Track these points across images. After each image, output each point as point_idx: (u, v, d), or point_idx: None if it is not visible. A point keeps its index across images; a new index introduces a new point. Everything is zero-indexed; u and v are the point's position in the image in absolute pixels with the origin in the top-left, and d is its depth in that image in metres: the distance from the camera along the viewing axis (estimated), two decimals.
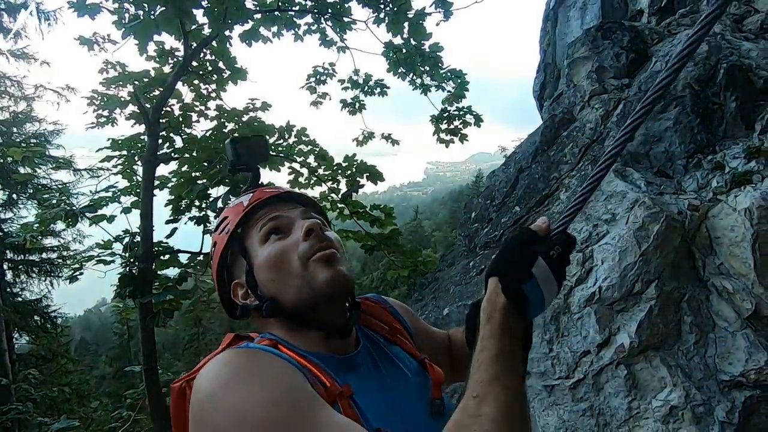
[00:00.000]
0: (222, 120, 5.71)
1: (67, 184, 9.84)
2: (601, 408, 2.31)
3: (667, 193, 2.62)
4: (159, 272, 5.00)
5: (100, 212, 4.90)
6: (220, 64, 5.56)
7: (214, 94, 5.84)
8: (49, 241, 10.66)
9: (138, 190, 5.27)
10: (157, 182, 5.22)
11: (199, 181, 5.01)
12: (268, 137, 5.53)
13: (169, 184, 5.45)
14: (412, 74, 6.08)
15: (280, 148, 5.79)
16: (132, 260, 4.68)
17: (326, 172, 5.98)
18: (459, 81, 6.11)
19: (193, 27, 4.50)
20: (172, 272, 5.17)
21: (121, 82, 5.52)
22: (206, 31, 4.73)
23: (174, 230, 5.20)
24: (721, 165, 2.63)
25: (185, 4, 3.51)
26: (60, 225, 7.18)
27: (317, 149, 6.07)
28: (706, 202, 2.51)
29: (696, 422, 2.12)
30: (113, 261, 4.82)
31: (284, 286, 0.81)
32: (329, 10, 5.52)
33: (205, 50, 5.29)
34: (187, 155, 5.33)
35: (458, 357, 1.07)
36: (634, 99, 3.10)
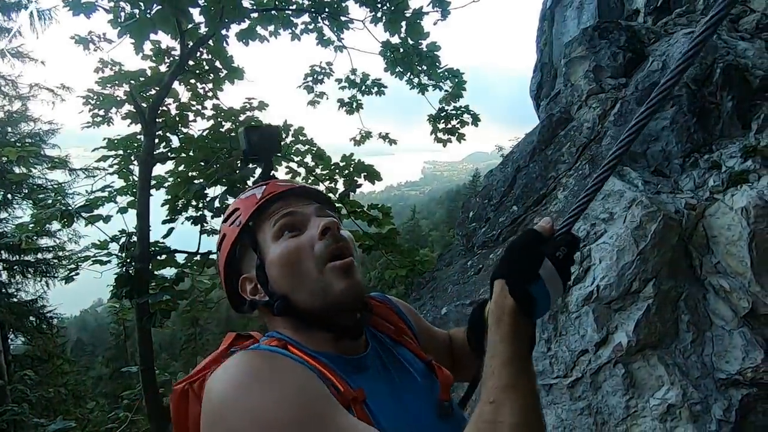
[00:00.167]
0: (219, 119, 5.70)
1: (63, 184, 9.80)
2: (599, 406, 2.32)
3: (664, 192, 2.63)
4: (156, 272, 4.99)
5: (96, 212, 4.88)
6: (217, 64, 5.55)
7: (210, 94, 5.82)
8: (44, 242, 10.60)
9: (134, 190, 5.24)
10: (153, 182, 5.20)
11: (195, 181, 5.00)
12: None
13: (166, 184, 5.43)
14: (409, 73, 6.09)
15: None
16: (128, 260, 4.67)
17: (324, 172, 5.98)
18: (456, 80, 6.13)
19: (190, 26, 4.48)
20: (169, 272, 5.16)
21: (117, 82, 5.50)
22: (203, 30, 4.71)
23: (171, 230, 5.19)
24: (717, 164, 2.64)
25: (181, 2, 3.50)
26: (55, 225, 7.14)
27: (314, 149, 6.07)
28: (703, 201, 2.52)
29: (693, 420, 2.12)
30: (109, 261, 4.80)
31: (297, 286, 0.80)
32: (326, 9, 5.52)
33: (201, 49, 5.27)
34: (183, 155, 5.32)
35: (459, 357, 1.07)
36: (631, 98, 3.11)
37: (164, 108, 5.44)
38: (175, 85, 5.35)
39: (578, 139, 3.27)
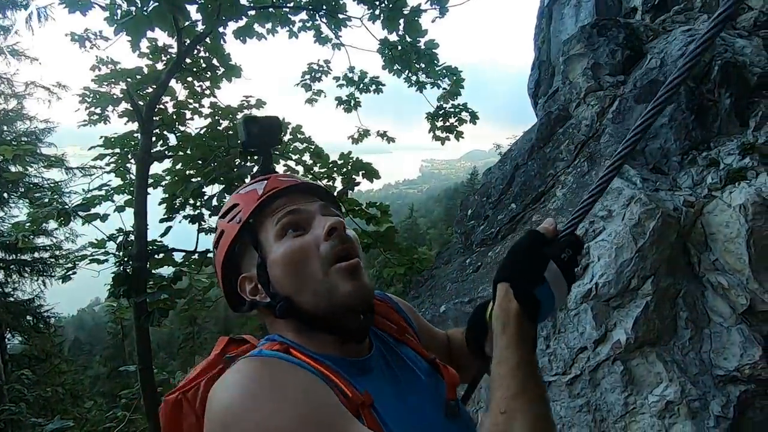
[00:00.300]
0: (216, 117, 5.68)
1: (59, 183, 9.76)
2: (598, 404, 2.32)
3: (662, 189, 2.63)
4: (153, 271, 4.97)
5: (93, 211, 4.86)
6: (214, 61, 5.53)
7: (208, 92, 5.80)
8: (41, 241, 10.57)
9: (131, 189, 5.23)
10: (151, 180, 5.18)
11: (193, 179, 4.98)
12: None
13: (163, 183, 5.42)
14: (407, 71, 6.07)
15: None
16: (126, 259, 4.65)
17: (322, 170, 5.98)
18: (454, 78, 6.11)
19: (187, 23, 4.46)
20: (167, 271, 5.15)
21: (113, 80, 5.47)
22: (200, 27, 4.68)
23: (168, 229, 5.17)
24: (715, 161, 2.64)
25: None
26: (52, 224, 7.11)
27: (312, 147, 6.05)
28: (701, 199, 2.52)
29: (692, 417, 2.13)
30: (107, 260, 4.79)
31: (302, 287, 0.77)
32: (324, 7, 5.49)
33: (198, 47, 5.24)
34: (181, 153, 5.30)
35: (457, 357, 1.06)
36: (630, 96, 3.11)
37: (161, 106, 5.42)
38: (173, 83, 5.32)
39: (576, 136, 3.26)
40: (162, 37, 5.12)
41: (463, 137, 6.49)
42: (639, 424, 2.21)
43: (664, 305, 2.33)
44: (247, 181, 0.94)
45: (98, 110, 5.73)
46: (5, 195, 10.31)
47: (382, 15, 5.38)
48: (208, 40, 5.10)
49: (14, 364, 9.93)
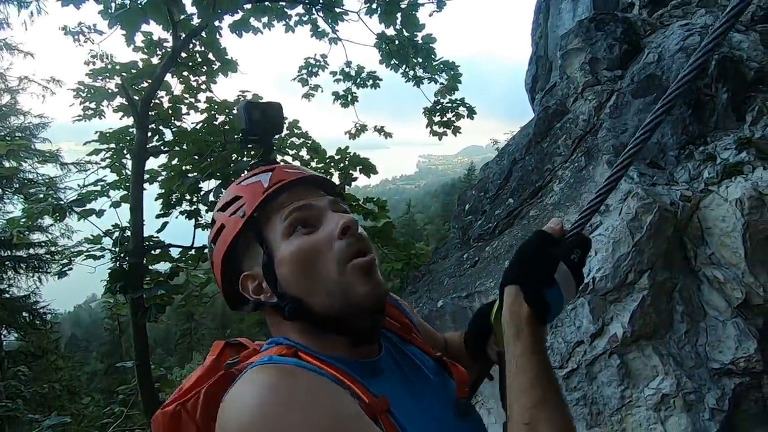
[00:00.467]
0: (212, 112, 5.64)
1: (54, 178, 9.69)
2: (594, 397, 2.34)
3: (659, 184, 2.63)
4: (150, 267, 4.96)
5: (88, 206, 4.83)
6: (210, 56, 5.48)
7: (204, 86, 5.76)
8: (36, 237, 10.50)
9: (127, 184, 5.20)
10: (146, 176, 5.16)
11: (189, 175, 4.96)
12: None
13: (159, 178, 5.39)
14: (404, 66, 6.05)
15: None
16: (122, 255, 4.63)
17: (319, 165, 5.96)
18: (452, 73, 6.10)
19: (182, 17, 4.42)
20: (164, 267, 5.13)
21: (108, 74, 5.43)
22: (195, 21, 4.64)
23: (165, 224, 5.15)
24: (712, 156, 2.65)
25: None
26: (47, 220, 7.05)
27: (309, 142, 6.04)
28: (697, 193, 2.53)
29: (687, 410, 2.15)
30: (103, 256, 4.77)
31: (314, 288, 0.73)
32: (320, 1, 5.46)
33: (194, 41, 5.20)
34: (177, 148, 5.26)
35: (454, 360, 1.05)
36: (627, 90, 3.10)
37: (157, 101, 5.38)
38: (168, 77, 5.28)
39: (574, 131, 3.26)
40: (157, 30, 5.06)
41: (460, 132, 6.49)
42: (635, 417, 2.23)
43: (661, 299, 2.34)
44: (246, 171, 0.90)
45: (93, 105, 5.68)
46: (0, 191, 10.24)
47: (379, 9, 5.35)
48: (203, 33, 5.06)
49: (11, 360, 9.89)
